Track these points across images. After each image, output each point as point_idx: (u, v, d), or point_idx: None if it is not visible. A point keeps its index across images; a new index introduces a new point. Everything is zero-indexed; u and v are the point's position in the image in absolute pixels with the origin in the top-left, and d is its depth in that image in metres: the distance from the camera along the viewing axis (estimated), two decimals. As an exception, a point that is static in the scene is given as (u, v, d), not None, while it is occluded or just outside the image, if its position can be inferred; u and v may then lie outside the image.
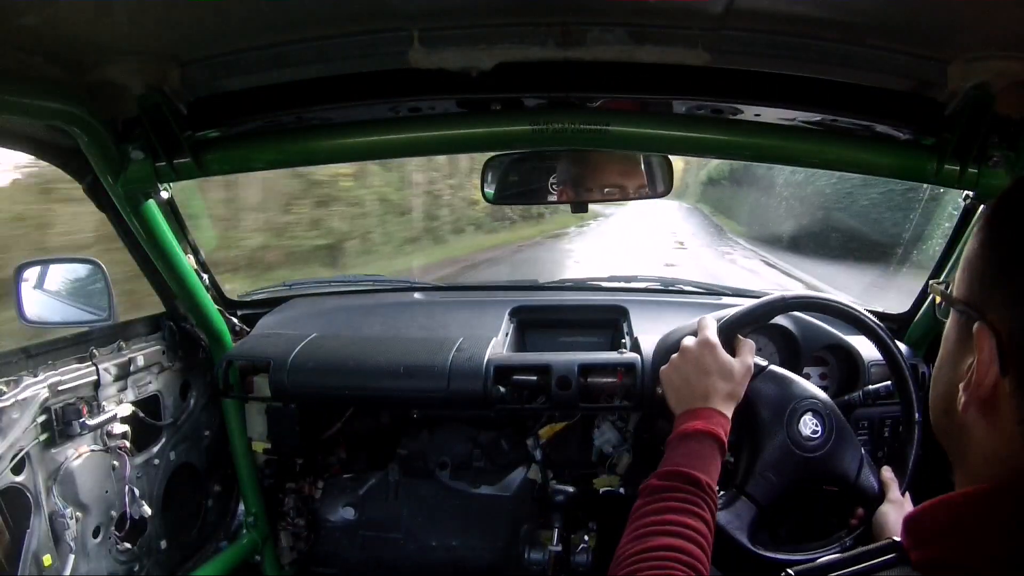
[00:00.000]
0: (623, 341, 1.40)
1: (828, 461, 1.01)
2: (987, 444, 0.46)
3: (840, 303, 1.07)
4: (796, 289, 1.12)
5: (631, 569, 0.68)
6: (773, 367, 1.06)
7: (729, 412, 0.91)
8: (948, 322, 0.53)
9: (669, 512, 0.75)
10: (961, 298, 0.50)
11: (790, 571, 0.49)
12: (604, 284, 1.78)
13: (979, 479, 0.47)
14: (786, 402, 1.02)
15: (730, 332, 1.01)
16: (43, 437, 1.06)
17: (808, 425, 1.01)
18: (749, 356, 0.98)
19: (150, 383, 1.32)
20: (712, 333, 0.97)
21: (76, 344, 1.17)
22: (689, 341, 0.97)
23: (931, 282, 0.55)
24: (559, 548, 1.43)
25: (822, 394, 1.05)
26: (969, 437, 0.48)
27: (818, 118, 0.93)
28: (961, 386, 0.48)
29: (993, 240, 0.48)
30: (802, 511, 1.16)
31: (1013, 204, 0.48)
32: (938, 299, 0.54)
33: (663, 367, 0.98)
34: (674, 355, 0.98)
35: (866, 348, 1.26)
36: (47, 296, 1.28)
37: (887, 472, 1.02)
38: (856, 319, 1.06)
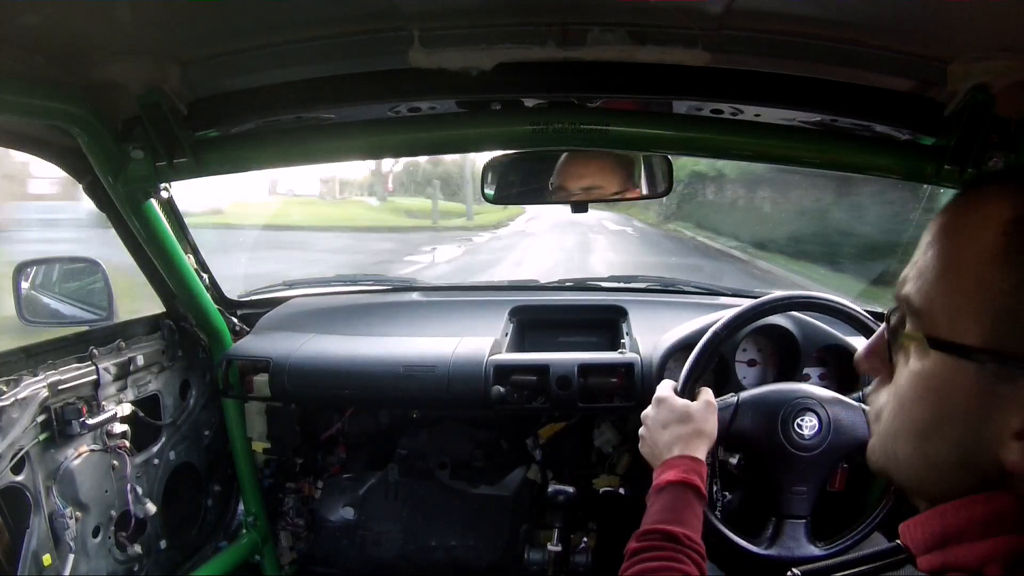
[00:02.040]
0: (622, 341, 1.40)
1: (840, 440, 1.03)
2: None
3: (835, 301, 1.08)
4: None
5: None
6: (742, 395, 1.07)
7: (702, 453, 0.91)
8: (930, 372, 0.44)
9: (652, 574, 0.75)
10: (983, 346, 0.41)
11: (795, 571, 0.49)
12: (604, 284, 1.78)
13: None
14: (772, 423, 1.03)
15: (686, 386, 1.03)
16: (43, 436, 1.06)
17: (805, 426, 1.02)
18: (707, 395, 1.00)
19: (150, 383, 1.32)
20: (664, 390, 0.99)
21: (76, 344, 1.17)
22: (647, 410, 0.99)
23: (907, 330, 0.46)
24: (558, 548, 1.43)
25: (796, 387, 1.07)
26: (1010, 486, 0.42)
27: (818, 118, 0.93)
28: (1012, 445, 0.41)
29: None
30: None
31: None
32: (910, 341, 0.45)
33: (639, 445, 1.00)
34: (640, 429, 1.00)
35: None
36: (47, 296, 1.28)
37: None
38: (851, 317, 1.07)
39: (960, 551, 0.43)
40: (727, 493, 1.14)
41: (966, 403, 0.42)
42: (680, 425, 0.93)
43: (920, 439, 0.45)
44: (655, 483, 0.88)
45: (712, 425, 0.95)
